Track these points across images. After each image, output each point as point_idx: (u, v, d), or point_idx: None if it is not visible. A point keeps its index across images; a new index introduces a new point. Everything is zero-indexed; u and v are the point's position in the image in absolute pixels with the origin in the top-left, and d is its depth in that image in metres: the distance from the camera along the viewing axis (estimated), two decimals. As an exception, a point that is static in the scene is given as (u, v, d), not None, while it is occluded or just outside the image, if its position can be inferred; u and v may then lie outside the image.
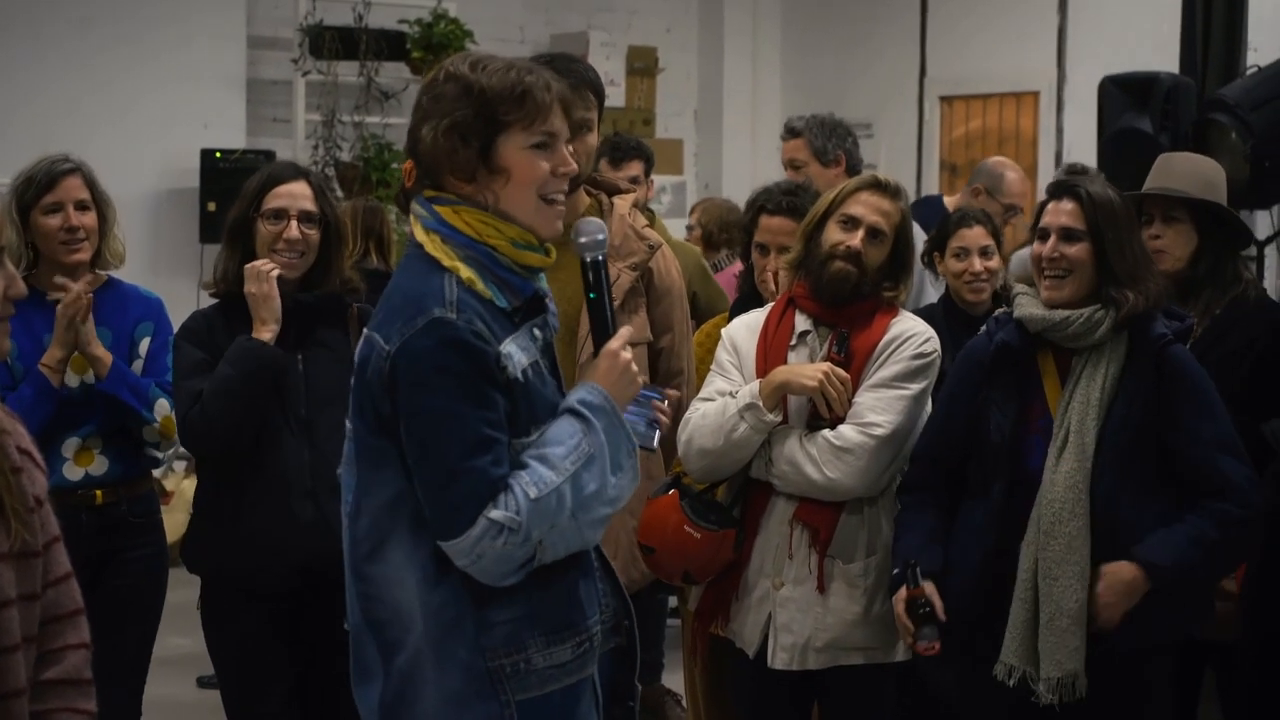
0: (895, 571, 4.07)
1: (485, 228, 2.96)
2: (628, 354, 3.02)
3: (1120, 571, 3.91)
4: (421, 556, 2.92)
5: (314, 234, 4.31)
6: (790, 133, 6.69)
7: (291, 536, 4.16)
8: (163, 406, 4.69)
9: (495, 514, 2.83)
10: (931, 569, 4.01)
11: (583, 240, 3.11)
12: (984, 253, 5.24)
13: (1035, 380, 4.04)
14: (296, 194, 4.30)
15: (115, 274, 4.97)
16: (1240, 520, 3.92)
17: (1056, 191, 4.09)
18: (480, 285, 2.94)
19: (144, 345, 4.81)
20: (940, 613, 3.98)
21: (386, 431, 2.93)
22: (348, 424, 3.05)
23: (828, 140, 6.51)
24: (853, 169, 6.53)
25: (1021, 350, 4.04)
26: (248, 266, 4.24)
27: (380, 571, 2.98)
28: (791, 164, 6.63)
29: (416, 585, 2.94)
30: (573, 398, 2.97)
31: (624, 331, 3.07)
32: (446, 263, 2.95)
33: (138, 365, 4.78)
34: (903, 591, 4.02)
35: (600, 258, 3.11)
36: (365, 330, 3.01)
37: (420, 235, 3.00)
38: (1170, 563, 3.89)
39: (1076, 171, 7.69)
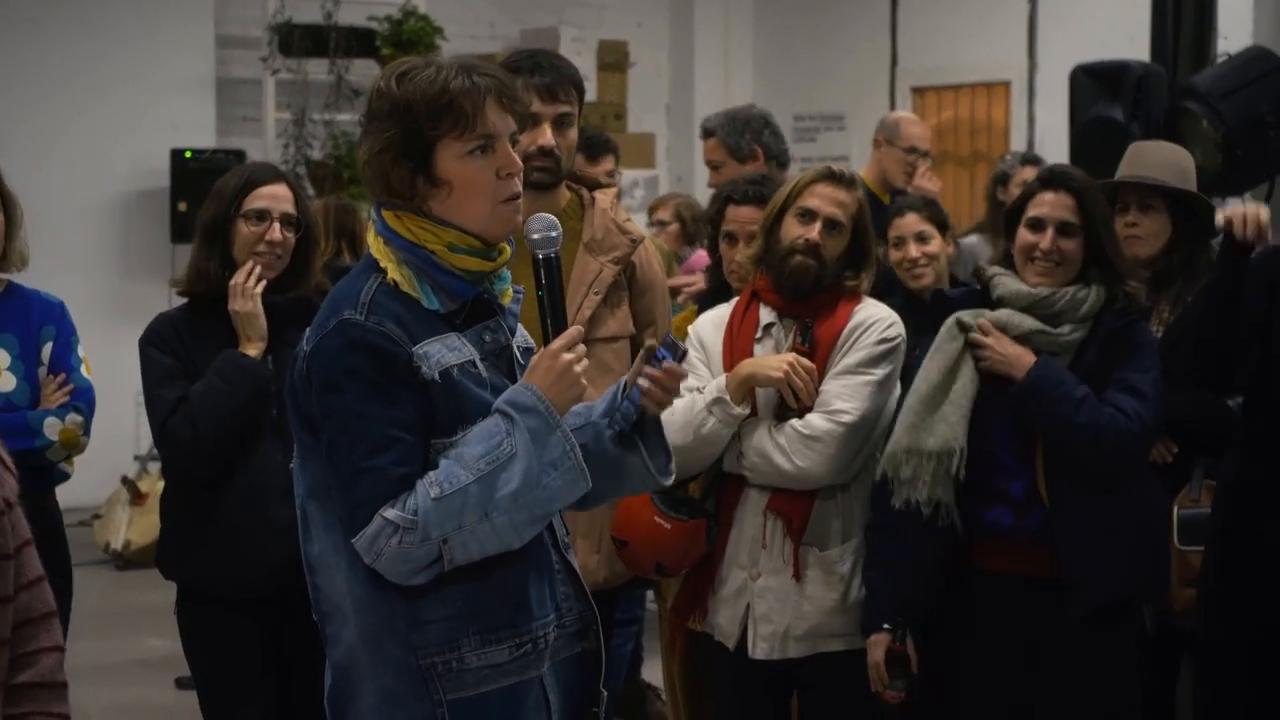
0: (885, 625, 4.08)
1: (423, 232, 2.96)
2: (569, 355, 2.96)
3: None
4: (350, 551, 2.92)
5: (291, 238, 4.29)
6: (705, 133, 6.70)
7: (268, 540, 4.11)
8: (52, 424, 4.63)
9: (390, 513, 2.83)
10: (918, 621, 4.09)
11: (534, 236, 3.05)
12: (919, 238, 5.26)
13: None
14: (279, 196, 4.28)
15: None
16: (1124, 424, 3.95)
17: (1050, 183, 4.15)
18: (408, 286, 2.94)
19: (47, 350, 4.74)
20: (914, 668, 4.07)
21: (310, 428, 2.96)
22: None
23: (740, 136, 6.50)
24: (774, 159, 6.51)
25: None
26: (232, 284, 4.20)
27: (320, 564, 3.02)
28: (710, 164, 6.64)
29: (346, 579, 2.95)
30: (502, 398, 2.94)
31: (570, 332, 3.00)
32: (384, 264, 2.96)
33: (42, 371, 4.72)
34: (884, 639, 4.08)
35: (553, 254, 3.05)
36: None
37: (370, 238, 3.03)
38: (1054, 369, 3.98)
39: (1032, 161, 7.75)
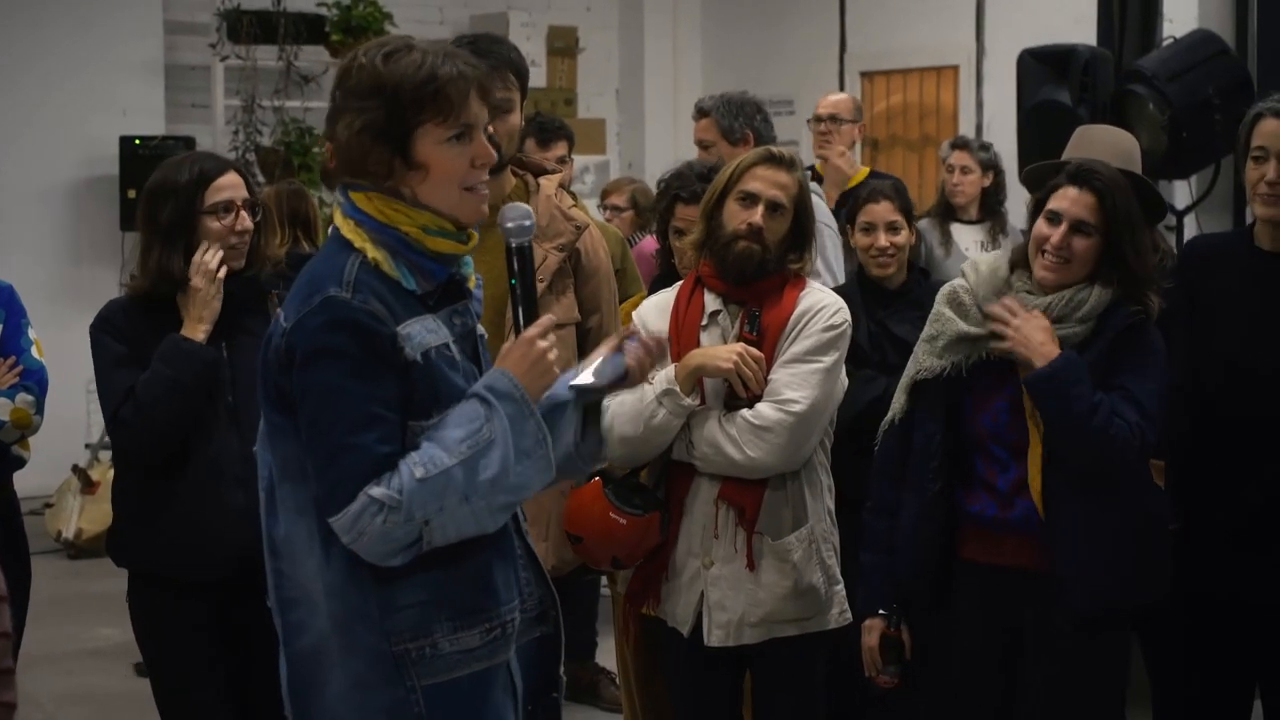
0: (880, 610, 4.15)
1: (395, 214, 2.96)
2: (544, 342, 2.98)
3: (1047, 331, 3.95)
4: (324, 535, 2.91)
5: (253, 221, 4.29)
6: (699, 113, 6.71)
7: (223, 525, 4.11)
8: (3, 405, 4.63)
9: (375, 491, 2.82)
10: (913, 606, 4.14)
11: (509, 225, 3.08)
12: (890, 228, 5.19)
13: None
14: (236, 185, 4.27)
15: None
16: (1127, 437, 3.88)
17: (1076, 179, 4.04)
18: (387, 266, 2.94)
19: None
20: (908, 653, 4.12)
21: (286, 408, 2.94)
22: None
23: (734, 119, 6.51)
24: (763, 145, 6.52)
25: None
26: (195, 261, 4.18)
27: (287, 549, 2.99)
28: (701, 144, 6.66)
29: (318, 564, 2.94)
30: (480, 383, 2.95)
31: (544, 319, 3.02)
32: (358, 243, 2.95)
33: None
34: (879, 624, 4.14)
35: (526, 243, 3.08)
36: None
37: (338, 218, 3.02)
38: (1076, 365, 3.89)
39: (961, 145, 7.73)
